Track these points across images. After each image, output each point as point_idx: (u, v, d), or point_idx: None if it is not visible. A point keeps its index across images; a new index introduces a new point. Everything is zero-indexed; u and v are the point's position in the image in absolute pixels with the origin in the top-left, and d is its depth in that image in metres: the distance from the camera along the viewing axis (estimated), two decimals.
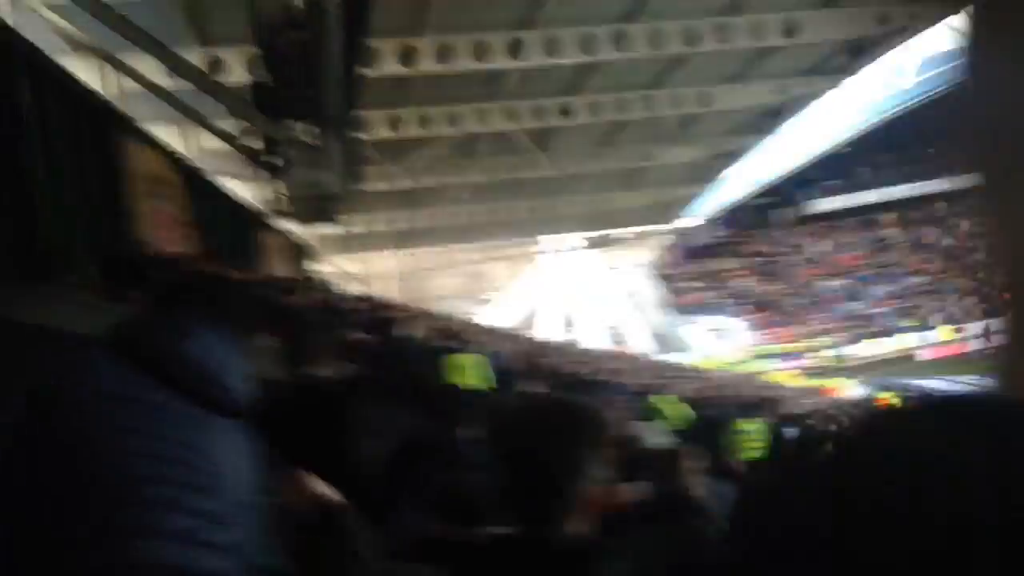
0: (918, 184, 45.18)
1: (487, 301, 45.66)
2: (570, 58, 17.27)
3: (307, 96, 11.55)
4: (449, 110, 19.98)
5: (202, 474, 0.68)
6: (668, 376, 21.29)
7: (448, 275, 46.53)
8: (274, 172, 12.73)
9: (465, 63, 16.57)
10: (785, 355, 37.39)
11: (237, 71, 14.64)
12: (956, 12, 18.52)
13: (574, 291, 41.65)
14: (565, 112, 20.70)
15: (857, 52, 20.49)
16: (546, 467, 1.49)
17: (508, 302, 44.40)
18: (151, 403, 0.70)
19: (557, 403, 1.64)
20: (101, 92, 14.21)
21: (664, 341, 40.50)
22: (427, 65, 16.34)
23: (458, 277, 47.67)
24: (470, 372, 9.40)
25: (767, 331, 40.00)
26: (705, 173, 30.33)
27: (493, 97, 20.01)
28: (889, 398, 26.93)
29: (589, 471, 1.50)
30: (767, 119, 25.04)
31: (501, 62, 16.97)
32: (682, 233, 41.90)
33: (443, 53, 16.32)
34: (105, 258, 10.29)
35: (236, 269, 14.46)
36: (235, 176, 21.54)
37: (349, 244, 32.11)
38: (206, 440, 0.71)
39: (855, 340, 37.77)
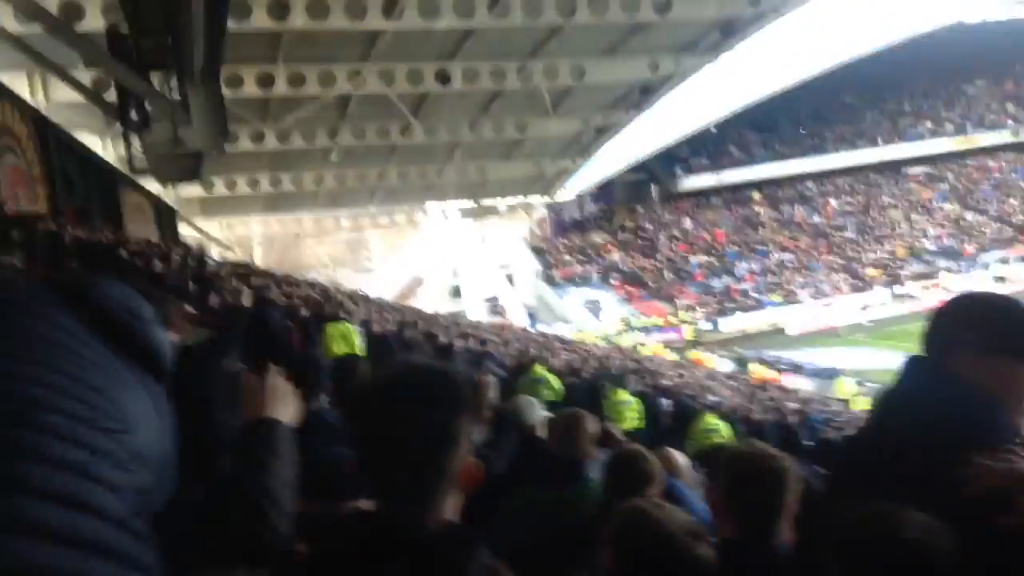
0: (787, 163, 47.22)
1: (368, 270, 45.09)
2: (446, 22, 17.08)
3: (169, 47, 10.97)
4: (322, 69, 19.45)
5: (108, 417, 0.63)
6: (545, 347, 21.53)
7: (322, 243, 45.62)
8: (133, 126, 12.05)
9: (339, 21, 16.15)
10: (656, 328, 38.49)
11: (94, 18, 13.78)
12: None
13: (452, 261, 41.64)
14: (444, 79, 20.47)
15: (729, 32, 21.13)
16: (412, 439, 1.37)
17: (387, 272, 43.98)
18: (64, 342, 0.65)
19: (424, 371, 1.48)
20: None
21: (540, 313, 41.02)
22: (299, 21, 15.82)
23: (333, 245, 46.80)
24: (339, 341, 9.23)
25: (638, 304, 41.05)
26: (578, 147, 30.73)
27: (367, 58, 19.62)
28: (761, 370, 28.14)
29: (459, 443, 1.40)
30: (639, 95, 25.54)
31: (376, 22, 16.63)
32: (555, 206, 42.44)
33: (316, 9, 15.85)
34: None
35: (92, 228, 13.71)
36: (91, 130, 20.38)
37: (214, 206, 30.94)
38: (121, 389, 0.67)
39: (724, 314, 39.25)
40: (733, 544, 2.25)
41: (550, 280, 42.64)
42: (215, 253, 26.65)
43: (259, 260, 30.05)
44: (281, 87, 19.22)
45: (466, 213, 38.63)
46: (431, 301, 38.89)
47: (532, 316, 40.37)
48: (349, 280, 40.71)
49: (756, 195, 47.57)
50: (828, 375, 26.43)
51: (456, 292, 41.89)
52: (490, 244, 42.37)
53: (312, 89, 19.66)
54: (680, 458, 4.54)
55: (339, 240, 46.26)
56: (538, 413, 4.51)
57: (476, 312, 37.71)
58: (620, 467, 3.12)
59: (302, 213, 35.24)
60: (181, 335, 4.26)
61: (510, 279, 42.61)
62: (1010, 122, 48.08)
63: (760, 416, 13.75)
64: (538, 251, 44.09)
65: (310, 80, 19.46)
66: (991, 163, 48.21)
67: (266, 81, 18.97)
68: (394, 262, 44.99)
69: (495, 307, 41.01)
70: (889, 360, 25.66)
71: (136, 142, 12.23)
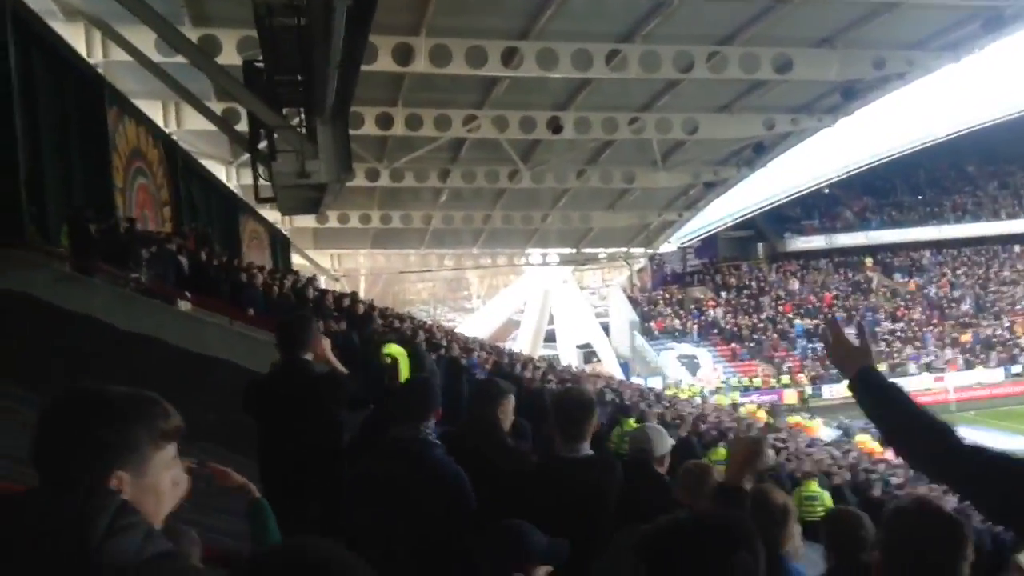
0: (902, 230, 45.58)
1: (468, 309, 45.63)
2: (563, 72, 17.30)
3: (303, 83, 11.47)
4: (439, 113, 19.96)
5: None
6: (644, 399, 21.27)
7: (424, 279, 46.42)
8: (262, 157, 12.59)
9: (459, 67, 16.55)
10: (755, 389, 37.53)
11: (229, 52, 14.53)
12: (956, 60, 18.82)
13: (549, 306, 41.71)
14: (556, 128, 20.70)
15: (850, 95, 20.71)
16: None
17: (485, 312, 44.37)
18: None
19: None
20: (89, 60, 14.09)
21: (634, 364, 40.57)
22: (421, 66, 16.30)
23: (434, 283, 47.53)
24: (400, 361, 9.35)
25: (737, 363, 40.13)
26: (686, 201, 30.52)
27: (483, 104, 20.03)
28: (866, 441, 26.77)
29: None
30: (752, 152, 25.25)
31: (494, 69, 16.98)
32: (657, 258, 42.11)
33: (438, 55, 16.30)
34: (78, 229, 10.14)
35: (212, 251, 14.33)
36: (217, 159, 21.41)
37: (326, 238, 31.92)
38: None
39: (828, 380, 37.84)
40: None
41: (647, 332, 42.14)
42: (323, 283, 27.45)
43: (363, 292, 30.76)
44: (399, 128, 19.80)
45: (566, 259, 38.60)
46: (525, 344, 39.00)
47: (625, 367, 39.94)
48: (449, 316, 41.18)
49: (868, 261, 46.04)
50: None
51: (551, 337, 41.89)
52: (588, 292, 42.26)
53: (428, 131, 20.19)
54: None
55: (440, 278, 46.96)
56: (667, 444, 4.35)
57: (568, 358, 37.56)
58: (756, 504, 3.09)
59: (408, 249, 35.97)
60: (316, 359, 4.39)
61: (606, 328, 42.35)
62: None
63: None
64: (636, 302, 43.71)
65: (427, 123, 19.99)
66: None
67: (385, 122, 19.57)
68: (492, 303, 45.37)
69: (588, 355, 40.79)
70: (1002, 441, 24.33)
71: (263, 172, 12.75)
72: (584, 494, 3.25)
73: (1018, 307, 42.40)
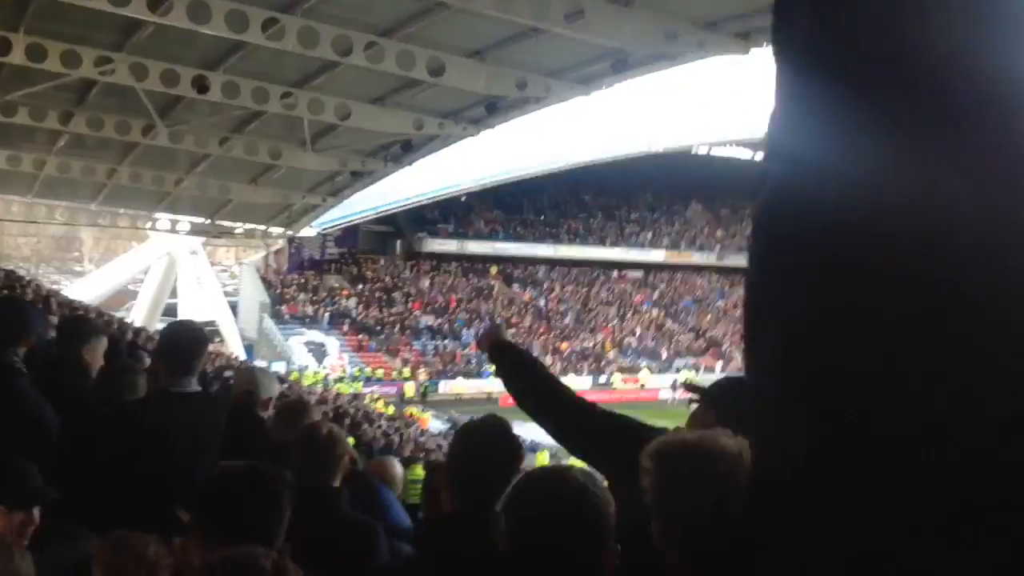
0: (523, 245, 49.55)
1: (78, 272, 41.36)
2: (215, 30, 16.42)
3: None
4: (68, 48, 17.88)
5: None
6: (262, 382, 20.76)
7: (27, 234, 41.40)
8: None
9: (98, 2, 15.02)
10: (377, 380, 38.42)
11: None
12: (587, 94, 20.83)
13: (176, 278, 39.21)
14: (202, 87, 19.54)
15: (493, 109, 22.08)
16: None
17: (100, 276, 40.52)
18: None
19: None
20: None
21: (259, 347, 39.56)
22: None
23: (40, 239, 42.59)
24: None
25: (363, 354, 40.81)
26: (331, 186, 30.46)
27: (121, 48, 18.36)
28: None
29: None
30: (400, 150, 25.90)
31: (138, 11, 15.63)
32: (296, 241, 41.53)
33: None
34: None
35: None
36: None
37: None
38: None
39: (445, 376, 40.14)
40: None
41: (277, 315, 41.37)
42: None
43: None
44: (17, 57, 17.37)
45: (197, 229, 36.45)
46: (140, 316, 36.30)
47: (250, 349, 38.86)
48: (54, 278, 37.12)
49: (493, 269, 49.46)
50: (531, 448, 27.66)
51: (171, 310, 39.46)
52: (219, 268, 40.49)
53: (52, 66, 17.93)
54: (398, 470, 4.67)
55: (48, 234, 42.23)
56: (274, 388, 4.38)
57: None
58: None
59: (11, 196, 31.75)
60: None
61: (234, 307, 40.84)
62: (718, 246, 54.02)
63: None
64: (269, 284, 42.71)
65: (52, 56, 17.75)
66: (696, 280, 53.78)
67: (0, 47, 17.11)
68: (107, 268, 41.62)
69: (212, 333, 39.07)
70: None
71: None
72: (189, 428, 3.24)
73: (610, 325, 48.22)
